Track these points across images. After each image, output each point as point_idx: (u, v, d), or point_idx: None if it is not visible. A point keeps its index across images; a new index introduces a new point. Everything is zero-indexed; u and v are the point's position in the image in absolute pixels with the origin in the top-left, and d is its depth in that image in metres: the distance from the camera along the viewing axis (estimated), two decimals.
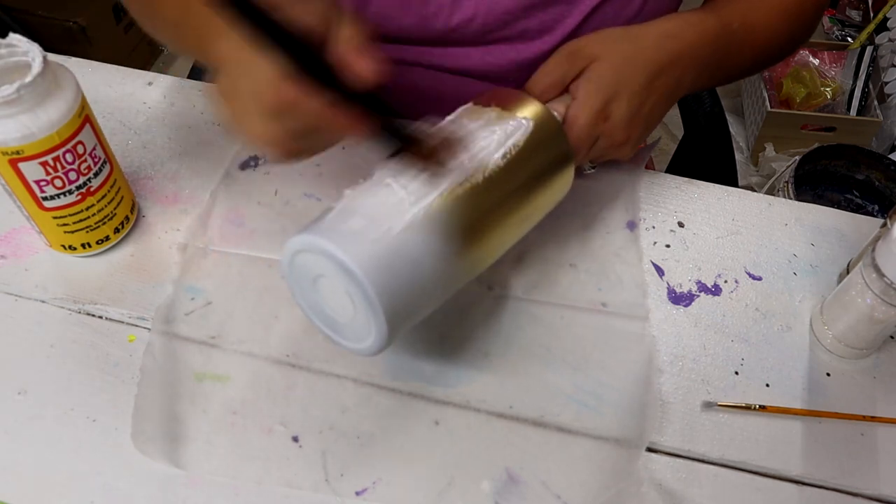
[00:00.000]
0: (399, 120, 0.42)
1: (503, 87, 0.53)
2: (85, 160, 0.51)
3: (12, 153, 0.47)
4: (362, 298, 0.41)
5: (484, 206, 0.46)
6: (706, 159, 0.89)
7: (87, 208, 0.53)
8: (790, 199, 1.32)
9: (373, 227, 0.42)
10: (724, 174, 0.87)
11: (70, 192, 0.51)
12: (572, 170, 0.52)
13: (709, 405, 0.53)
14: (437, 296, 0.45)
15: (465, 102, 0.52)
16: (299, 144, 0.44)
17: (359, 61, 0.39)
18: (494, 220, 0.47)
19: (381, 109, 0.41)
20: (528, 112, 0.49)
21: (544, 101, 0.52)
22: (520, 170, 0.47)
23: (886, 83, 1.71)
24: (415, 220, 0.42)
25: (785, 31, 0.63)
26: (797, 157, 1.46)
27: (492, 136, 0.47)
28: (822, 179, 1.54)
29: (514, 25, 0.63)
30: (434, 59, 0.66)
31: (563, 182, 0.52)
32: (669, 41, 0.55)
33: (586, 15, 0.62)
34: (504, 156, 0.47)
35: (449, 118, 0.50)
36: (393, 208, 0.43)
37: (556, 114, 0.52)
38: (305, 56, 0.38)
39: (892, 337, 0.57)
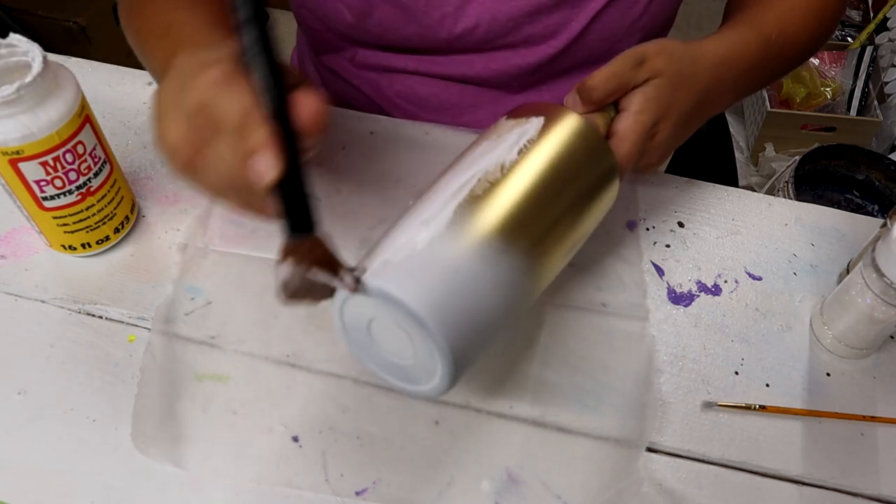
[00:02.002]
0: (311, 204, 0.38)
1: (539, 100, 0.51)
2: (85, 160, 0.51)
3: (12, 153, 0.47)
4: (420, 333, 0.39)
5: (537, 226, 0.44)
6: (706, 160, 0.88)
7: (87, 208, 0.53)
8: (790, 199, 1.32)
9: (419, 257, 0.40)
10: (724, 175, 0.87)
11: (70, 192, 0.51)
12: (618, 183, 0.50)
13: (709, 405, 0.53)
14: (500, 321, 0.42)
15: (467, 110, 0.51)
16: (202, 156, 0.38)
17: (307, 99, 0.37)
18: (548, 239, 0.45)
19: (297, 177, 0.37)
20: (570, 125, 0.47)
21: (604, 104, 0.50)
22: (569, 185, 0.46)
23: (886, 83, 1.71)
24: (467, 245, 0.40)
25: (816, 31, 0.63)
26: (797, 157, 1.46)
27: (534, 151, 0.45)
28: (822, 179, 1.54)
29: (518, 32, 0.62)
30: (437, 68, 0.66)
31: (610, 196, 0.50)
32: (721, 69, 0.54)
33: (591, 18, 0.62)
34: (551, 173, 0.45)
35: (485, 135, 0.48)
36: (438, 235, 0.40)
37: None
38: (274, 81, 0.36)
39: (892, 337, 0.57)
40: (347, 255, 0.40)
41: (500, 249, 0.41)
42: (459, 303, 0.39)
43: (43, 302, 0.55)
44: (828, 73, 1.72)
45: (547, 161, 0.45)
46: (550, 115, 0.47)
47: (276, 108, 0.36)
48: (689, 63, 0.52)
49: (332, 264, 0.39)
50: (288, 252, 0.37)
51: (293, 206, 0.37)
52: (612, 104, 0.51)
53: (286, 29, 1.96)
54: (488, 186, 0.43)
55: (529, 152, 0.45)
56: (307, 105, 0.36)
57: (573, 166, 0.46)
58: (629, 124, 0.50)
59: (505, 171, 0.44)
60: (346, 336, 0.44)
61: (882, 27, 1.78)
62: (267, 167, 0.35)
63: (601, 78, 0.49)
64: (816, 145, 1.50)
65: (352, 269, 0.40)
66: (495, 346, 0.54)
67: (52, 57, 0.50)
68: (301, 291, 0.39)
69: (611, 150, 0.49)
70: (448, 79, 0.67)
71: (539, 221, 0.44)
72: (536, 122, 0.47)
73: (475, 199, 0.42)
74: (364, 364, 0.45)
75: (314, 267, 0.38)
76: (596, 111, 0.50)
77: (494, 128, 0.48)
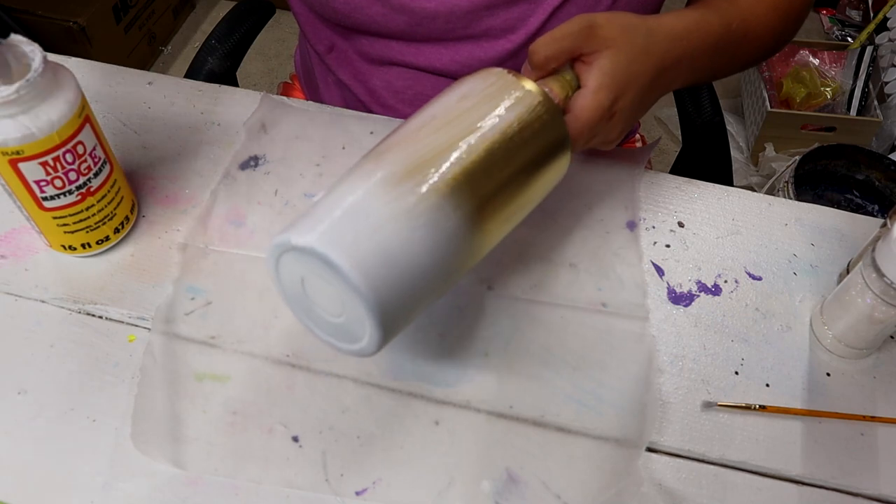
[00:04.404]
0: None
1: (499, 67, 0.50)
2: (85, 160, 0.51)
3: (12, 153, 0.47)
4: (351, 294, 0.39)
5: (480, 189, 0.43)
6: (703, 160, 0.88)
7: (87, 208, 0.53)
8: (790, 199, 1.31)
9: (357, 217, 0.40)
10: (719, 175, 0.86)
11: (70, 192, 0.51)
12: (569, 156, 0.49)
13: (709, 405, 0.53)
14: (435, 284, 0.42)
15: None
16: None
17: None
18: (490, 204, 0.44)
19: None
20: (523, 91, 0.46)
21: (548, 69, 0.50)
22: (516, 152, 0.45)
23: (886, 83, 1.71)
24: (403, 206, 0.40)
25: (778, 28, 0.63)
26: (797, 157, 1.47)
27: (487, 114, 0.45)
28: (822, 179, 1.54)
29: (477, 23, 0.63)
30: (407, 58, 0.67)
31: (560, 167, 0.49)
32: (677, 43, 0.54)
33: (549, 14, 0.62)
34: (500, 137, 0.44)
35: (439, 96, 0.48)
36: (377, 194, 0.40)
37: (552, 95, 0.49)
38: None
39: (892, 337, 0.57)
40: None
41: (434, 207, 0.41)
42: (385, 257, 0.39)
43: (43, 302, 0.55)
44: (828, 73, 1.73)
45: (492, 124, 0.44)
46: (505, 80, 0.47)
47: None
48: (644, 34, 0.51)
49: None
50: None
51: None
52: (570, 70, 0.51)
53: (288, 29, 1.96)
54: (430, 145, 0.43)
55: (475, 114, 0.45)
56: None
57: (521, 132, 0.45)
58: (587, 103, 0.49)
59: (449, 132, 0.43)
60: (285, 296, 0.44)
61: (882, 27, 1.78)
62: None
63: (544, 41, 0.49)
64: (816, 145, 1.50)
65: None
66: (496, 345, 0.54)
67: (52, 57, 0.50)
68: None
69: (563, 120, 0.48)
70: (419, 69, 0.68)
71: (479, 184, 0.43)
72: (489, 86, 0.46)
73: (413, 156, 0.42)
74: (303, 323, 0.45)
75: None
76: (548, 76, 0.50)
77: (450, 89, 0.48)
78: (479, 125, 0.44)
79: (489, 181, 0.44)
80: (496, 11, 0.62)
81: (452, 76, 0.67)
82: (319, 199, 0.42)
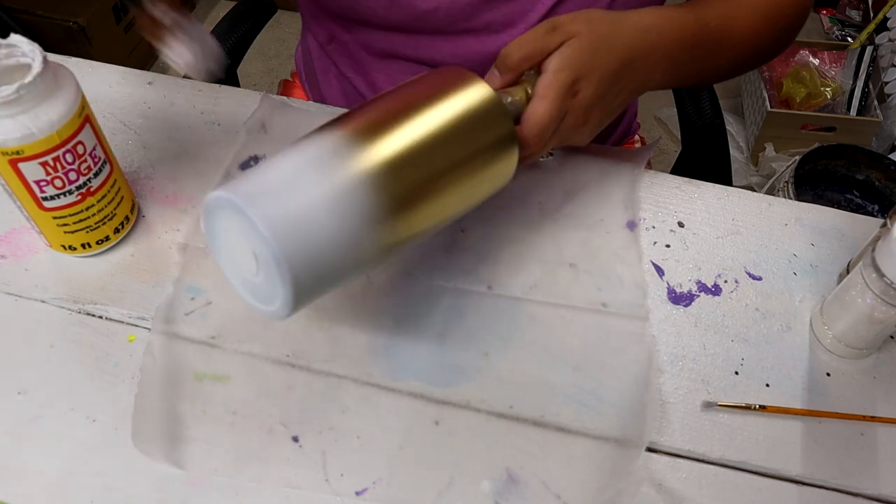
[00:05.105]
0: None
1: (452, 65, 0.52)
2: (85, 160, 0.51)
3: (12, 153, 0.47)
4: (266, 256, 0.40)
5: (407, 176, 0.44)
6: (703, 171, 0.88)
7: (87, 208, 0.53)
8: (790, 199, 1.32)
9: (284, 182, 0.41)
10: (719, 175, 0.86)
11: (70, 192, 0.51)
12: (515, 153, 0.50)
13: (709, 405, 0.53)
14: (349, 260, 0.43)
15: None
16: None
17: None
18: (418, 190, 0.45)
19: None
20: (468, 87, 0.48)
21: (519, 72, 0.51)
22: (452, 146, 0.46)
23: (886, 83, 1.71)
24: (328, 178, 0.41)
25: (765, 33, 0.63)
26: (797, 157, 1.46)
27: (429, 106, 0.46)
28: (822, 179, 1.54)
29: (478, 17, 0.63)
30: (408, 51, 0.67)
31: (504, 165, 0.50)
32: (645, 34, 0.54)
33: (549, 9, 0.62)
34: (436, 130, 0.46)
35: (392, 88, 0.49)
36: (308, 164, 0.42)
37: (508, 98, 0.50)
38: None
39: (892, 337, 0.57)
40: None
41: (357, 184, 0.42)
42: (301, 222, 0.40)
43: (43, 302, 0.55)
44: (828, 73, 1.73)
45: (433, 115, 0.46)
46: (455, 75, 0.48)
47: None
48: (609, 24, 0.53)
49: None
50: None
51: None
52: (534, 77, 0.52)
53: (288, 30, 1.96)
54: (367, 128, 0.44)
55: (417, 105, 0.46)
56: None
57: (460, 127, 0.47)
58: (547, 82, 0.50)
59: (389, 118, 0.45)
60: (214, 250, 0.46)
61: (882, 27, 1.78)
62: None
63: (513, 44, 0.51)
64: (816, 145, 1.50)
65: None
66: (496, 345, 0.54)
67: (52, 57, 0.50)
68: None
69: (508, 117, 0.49)
70: (420, 62, 0.68)
71: (407, 171, 0.44)
72: (440, 81, 0.48)
73: (348, 136, 0.43)
74: (228, 280, 0.46)
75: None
76: (513, 83, 0.52)
77: (408, 80, 0.49)
78: (418, 116, 0.46)
79: (418, 170, 0.45)
80: (496, 6, 0.62)
81: None
82: (260, 163, 0.44)
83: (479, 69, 0.67)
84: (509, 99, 0.51)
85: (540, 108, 0.50)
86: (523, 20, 0.63)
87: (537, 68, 0.52)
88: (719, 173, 0.86)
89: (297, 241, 0.40)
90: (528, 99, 0.51)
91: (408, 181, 0.44)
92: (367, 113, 0.46)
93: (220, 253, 0.45)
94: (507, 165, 0.50)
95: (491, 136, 0.48)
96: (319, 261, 0.41)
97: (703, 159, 0.88)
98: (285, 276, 0.40)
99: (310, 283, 0.42)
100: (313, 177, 0.42)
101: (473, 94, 0.47)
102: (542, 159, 0.58)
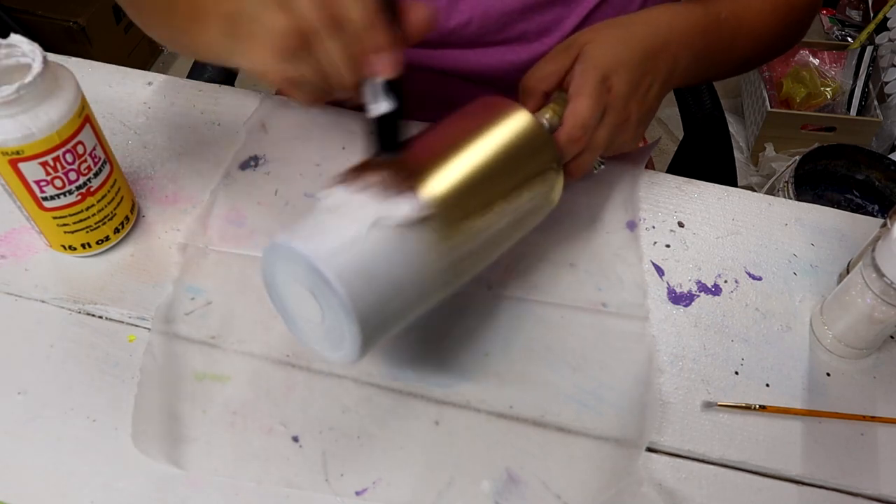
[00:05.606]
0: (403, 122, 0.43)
1: (492, 94, 0.52)
2: (85, 160, 0.51)
3: (12, 153, 0.47)
4: (333, 302, 0.41)
5: (463, 208, 0.45)
6: (706, 161, 0.89)
7: (87, 208, 0.53)
8: (790, 199, 1.32)
9: (344, 228, 0.42)
10: (723, 176, 0.87)
11: (70, 192, 0.51)
12: (560, 178, 0.51)
13: (709, 405, 0.53)
14: (416, 300, 0.44)
15: (461, 105, 0.51)
16: (309, 46, 0.42)
17: (417, 6, 0.42)
18: (474, 223, 0.46)
19: (397, 93, 0.42)
20: (512, 116, 0.49)
21: (542, 91, 0.53)
22: (503, 174, 0.47)
23: (886, 83, 1.71)
24: (388, 221, 0.42)
25: (776, 25, 0.63)
26: (797, 157, 1.47)
27: (475, 142, 0.47)
28: (822, 179, 1.54)
29: (511, 28, 0.63)
30: (432, 62, 0.66)
31: (549, 189, 0.51)
32: (659, 28, 0.55)
33: (584, 16, 0.62)
34: (487, 160, 0.47)
35: (441, 121, 0.50)
36: (365, 209, 0.42)
37: (544, 121, 0.52)
38: None
39: (892, 337, 0.57)
40: None
41: (415, 223, 0.43)
42: (366, 265, 0.41)
43: (43, 302, 0.55)
44: (828, 73, 1.73)
45: (483, 148, 0.47)
46: (498, 106, 0.49)
47: (390, 13, 0.41)
48: (618, 27, 0.55)
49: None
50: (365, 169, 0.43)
51: (388, 125, 0.43)
52: (562, 94, 0.53)
53: None
54: (418, 167, 0.45)
55: (466, 140, 0.47)
56: (418, 11, 0.43)
57: (510, 156, 0.48)
58: (579, 82, 0.51)
59: (440, 155, 0.46)
60: (277, 306, 0.46)
61: (882, 27, 1.78)
62: (387, 65, 0.41)
63: (531, 70, 0.54)
64: (816, 145, 1.50)
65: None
66: (496, 345, 0.54)
67: (52, 57, 0.50)
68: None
69: (552, 144, 0.50)
70: (444, 73, 0.67)
71: (462, 204, 0.45)
72: (482, 114, 0.49)
73: (404, 175, 0.44)
74: (291, 331, 0.47)
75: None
76: (543, 106, 0.53)
77: (453, 114, 0.50)
78: (464, 149, 0.47)
79: (470, 203, 0.46)
80: (531, 15, 0.62)
81: (480, 79, 0.67)
82: (314, 213, 0.44)
83: (508, 78, 0.67)
84: (544, 118, 0.52)
85: (578, 104, 0.51)
86: (558, 28, 0.63)
87: (563, 88, 0.53)
88: (722, 163, 0.87)
89: (362, 285, 0.41)
90: (562, 115, 0.52)
91: (459, 215, 0.45)
92: (419, 156, 0.46)
93: (280, 300, 0.46)
94: (549, 189, 0.51)
95: (537, 163, 0.50)
96: (384, 305, 0.42)
97: (705, 150, 0.89)
98: (355, 324, 0.41)
99: (377, 329, 0.43)
100: (379, 233, 0.42)
101: (517, 123, 0.49)
102: (594, 171, 0.58)
